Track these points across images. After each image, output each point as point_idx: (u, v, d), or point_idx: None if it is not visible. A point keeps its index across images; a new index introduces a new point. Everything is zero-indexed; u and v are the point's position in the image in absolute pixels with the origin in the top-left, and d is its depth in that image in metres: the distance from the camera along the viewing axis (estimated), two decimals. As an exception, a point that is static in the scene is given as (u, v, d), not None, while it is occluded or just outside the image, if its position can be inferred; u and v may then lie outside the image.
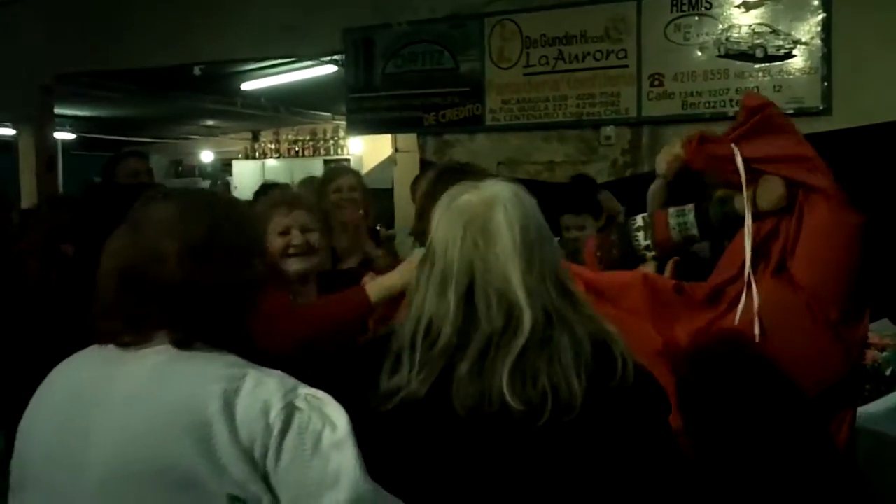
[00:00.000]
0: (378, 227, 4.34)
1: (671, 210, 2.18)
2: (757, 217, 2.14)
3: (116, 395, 1.40)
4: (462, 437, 1.48)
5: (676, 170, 2.33)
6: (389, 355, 1.56)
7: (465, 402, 1.46)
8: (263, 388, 1.35)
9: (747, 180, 2.14)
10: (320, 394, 1.38)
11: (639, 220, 2.19)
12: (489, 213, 1.53)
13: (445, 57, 5.57)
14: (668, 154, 2.35)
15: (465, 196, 1.58)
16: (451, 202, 1.59)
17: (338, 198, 3.94)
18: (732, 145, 2.18)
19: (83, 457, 1.38)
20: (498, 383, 1.45)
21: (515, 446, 1.46)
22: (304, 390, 1.37)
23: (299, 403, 1.34)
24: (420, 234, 2.34)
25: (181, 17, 6.20)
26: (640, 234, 2.15)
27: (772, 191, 2.14)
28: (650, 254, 2.22)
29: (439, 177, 2.32)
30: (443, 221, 1.58)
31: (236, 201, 1.76)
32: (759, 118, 2.18)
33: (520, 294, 1.49)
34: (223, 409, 1.31)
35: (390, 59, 5.74)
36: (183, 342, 1.43)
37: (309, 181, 4.52)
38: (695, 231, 2.16)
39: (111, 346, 1.47)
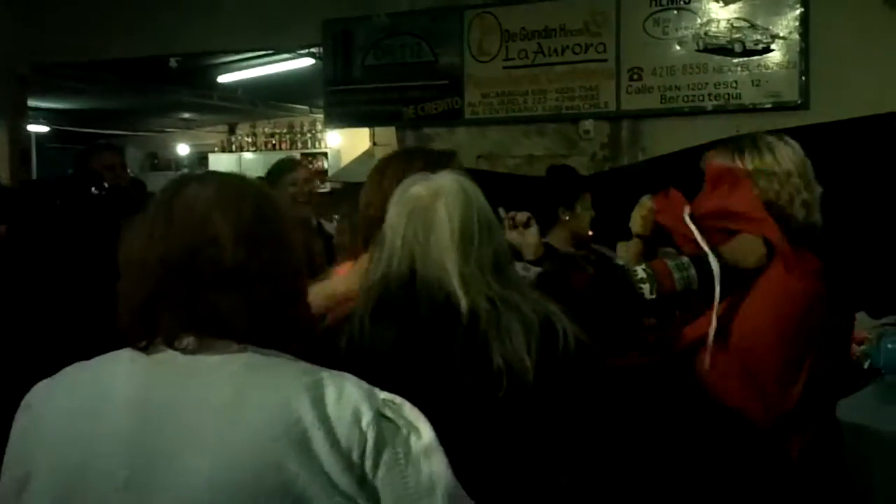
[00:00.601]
0: (336, 217, 4.34)
1: (671, 263, 2.17)
2: (739, 274, 2.14)
3: (201, 412, 1.27)
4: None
5: (651, 226, 2.35)
6: (345, 331, 1.70)
7: (415, 379, 1.53)
8: (348, 394, 1.28)
9: (721, 238, 2.15)
10: (397, 399, 1.33)
11: (640, 271, 2.16)
12: (432, 204, 1.66)
13: (424, 50, 5.55)
14: (642, 210, 2.38)
15: (415, 187, 1.70)
16: (403, 193, 1.71)
17: (294, 191, 3.92)
18: (685, 206, 2.20)
19: (168, 479, 1.25)
20: (449, 365, 1.60)
21: (475, 418, 1.58)
22: (382, 395, 1.32)
23: (386, 412, 1.30)
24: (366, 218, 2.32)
25: (157, 7, 6.13)
26: (646, 287, 2.14)
27: (753, 249, 2.13)
28: (653, 306, 2.23)
29: (390, 158, 2.31)
30: (392, 210, 1.71)
31: (263, 185, 1.61)
32: (714, 174, 2.20)
33: (455, 283, 1.61)
34: (318, 418, 1.25)
35: (369, 51, 5.71)
36: (246, 340, 1.31)
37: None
38: (696, 285, 2.16)
39: (163, 352, 1.31)
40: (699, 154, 2.39)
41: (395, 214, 1.70)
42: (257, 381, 1.29)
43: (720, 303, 2.10)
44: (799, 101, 4.68)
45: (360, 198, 2.14)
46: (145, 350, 1.32)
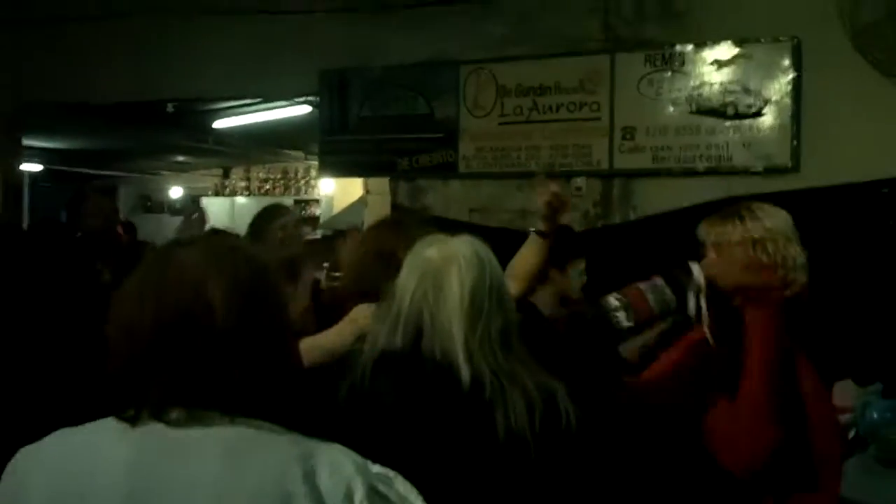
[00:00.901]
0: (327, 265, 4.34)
1: (643, 286, 2.18)
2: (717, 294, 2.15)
3: (190, 490, 1.23)
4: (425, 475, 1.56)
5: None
6: (347, 378, 1.70)
7: (418, 444, 1.57)
8: (340, 469, 1.25)
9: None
10: (390, 472, 1.32)
11: (612, 301, 2.17)
12: (445, 269, 1.68)
13: (420, 102, 5.59)
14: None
15: (429, 249, 1.73)
16: (417, 254, 1.73)
17: (284, 235, 3.93)
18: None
19: None
20: (451, 435, 1.59)
21: (473, 484, 1.59)
22: (375, 468, 1.31)
23: (379, 487, 1.28)
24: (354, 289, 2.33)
25: (154, 53, 6.16)
26: (621, 315, 2.13)
27: (730, 271, 2.15)
28: (633, 334, 2.23)
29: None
30: (405, 269, 1.73)
31: (253, 248, 1.56)
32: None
33: (459, 353, 1.61)
34: (310, 494, 1.22)
35: (365, 102, 5.75)
36: (236, 412, 1.27)
37: None
38: (674, 305, 2.16)
39: (150, 424, 1.26)
40: (691, 214, 2.40)
41: (406, 274, 1.71)
42: (247, 455, 1.25)
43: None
44: (790, 165, 4.72)
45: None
46: (132, 421, 1.28)
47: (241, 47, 5.93)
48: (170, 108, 7.23)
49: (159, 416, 1.26)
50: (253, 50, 5.89)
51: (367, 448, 1.48)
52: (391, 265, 1.81)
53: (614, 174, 5.14)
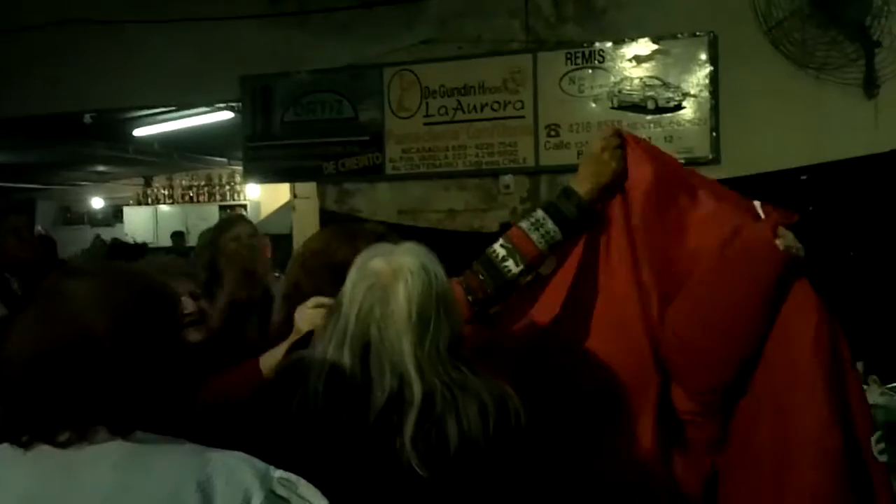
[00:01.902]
0: (277, 275, 4.26)
1: (525, 225, 2.11)
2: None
3: None
4: (371, 485, 1.59)
5: None
6: (297, 393, 1.67)
7: (370, 459, 1.58)
8: (238, 476, 1.27)
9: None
10: (293, 476, 1.32)
11: (498, 248, 2.11)
12: (392, 283, 1.64)
13: (345, 106, 5.56)
14: None
15: (375, 261, 1.69)
16: (364, 263, 1.70)
17: (237, 246, 3.85)
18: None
19: None
20: (403, 448, 1.57)
21: (427, 497, 1.59)
22: (277, 473, 1.31)
23: (279, 490, 1.29)
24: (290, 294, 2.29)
25: (71, 63, 6.02)
26: (510, 262, 2.10)
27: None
28: (526, 278, 2.19)
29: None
30: (350, 281, 1.69)
31: (145, 271, 1.62)
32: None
33: (410, 368, 1.60)
34: (203, 502, 1.23)
35: (289, 107, 5.70)
36: (126, 429, 1.30)
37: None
38: (560, 236, 2.11)
39: (41, 447, 1.29)
40: None
41: (352, 286, 1.68)
42: (140, 468, 1.28)
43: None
44: (711, 157, 4.83)
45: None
46: (25, 446, 1.30)
47: (161, 55, 5.81)
48: (87, 118, 7.05)
49: (49, 439, 1.29)
50: (173, 57, 5.79)
51: (320, 464, 1.52)
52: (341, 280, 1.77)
53: (541, 171, 5.20)
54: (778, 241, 1.99)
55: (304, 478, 1.34)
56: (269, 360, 2.15)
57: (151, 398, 1.34)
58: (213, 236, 3.89)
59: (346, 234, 2.36)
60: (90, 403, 1.29)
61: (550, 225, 2.10)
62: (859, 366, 3.94)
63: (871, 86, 4.60)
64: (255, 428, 1.71)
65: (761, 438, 1.97)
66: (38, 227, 12.71)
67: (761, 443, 1.97)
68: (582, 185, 2.14)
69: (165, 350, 1.37)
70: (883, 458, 1.92)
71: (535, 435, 1.70)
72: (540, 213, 2.12)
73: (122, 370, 1.30)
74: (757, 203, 2.15)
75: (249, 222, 4.19)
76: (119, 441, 1.29)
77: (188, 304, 2.41)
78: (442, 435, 1.58)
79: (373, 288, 1.65)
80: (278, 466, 1.33)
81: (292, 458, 1.46)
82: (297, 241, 6.19)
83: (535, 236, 2.09)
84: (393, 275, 1.65)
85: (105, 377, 1.29)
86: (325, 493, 1.34)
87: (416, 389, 1.59)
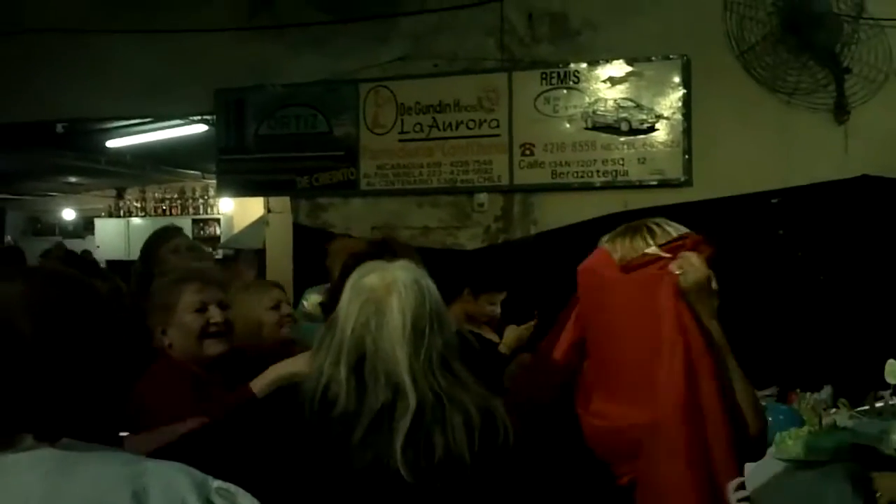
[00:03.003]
0: None
1: None
2: None
3: None
4: (361, 496, 1.64)
5: None
6: (292, 412, 1.71)
7: (359, 465, 1.63)
8: (174, 485, 1.24)
9: None
10: (232, 487, 1.30)
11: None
12: (386, 296, 1.71)
13: (319, 120, 5.55)
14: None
15: (370, 276, 1.76)
16: (358, 280, 1.77)
17: (176, 258, 3.80)
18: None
19: None
20: (392, 455, 1.62)
21: (414, 499, 1.64)
22: (215, 483, 1.29)
23: (216, 501, 1.27)
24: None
25: (42, 72, 5.96)
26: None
27: None
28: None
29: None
30: (346, 296, 1.76)
31: (80, 275, 1.56)
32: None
33: (406, 378, 1.65)
34: None
35: (263, 121, 5.68)
36: (54, 435, 1.27)
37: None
38: None
39: None
40: (589, 228, 2.39)
41: (347, 302, 1.74)
42: (72, 477, 1.24)
43: None
44: (683, 179, 4.87)
45: None
46: None
47: (135, 66, 5.77)
48: (59, 128, 6.98)
49: None
50: (146, 69, 5.74)
51: (311, 471, 1.60)
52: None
53: (515, 189, 5.22)
54: (672, 265, 1.91)
55: (298, 488, 1.33)
56: (271, 376, 2.17)
57: (81, 404, 1.31)
58: (149, 249, 3.83)
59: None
60: (15, 408, 1.26)
61: None
62: (827, 389, 3.99)
63: (841, 111, 4.66)
64: (250, 442, 1.74)
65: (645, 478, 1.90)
66: (7, 238, 12.58)
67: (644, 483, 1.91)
68: None
69: (95, 354, 1.34)
70: None
71: (528, 454, 1.74)
72: None
73: (48, 373, 1.27)
74: (653, 249, 2.00)
75: (186, 236, 4.16)
76: (48, 448, 1.25)
77: (215, 314, 2.38)
78: (429, 444, 1.64)
79: (367, 302, 1.71)
80: (275, 477, 1.33)
81: (287, 467, 1.52)
82: (271, 256, 6.17)
83: None
84: (387, 289, 1.72)
85: (30, 380, 1.26)
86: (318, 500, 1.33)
87: (411, 398, 1.65)
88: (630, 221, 2.12)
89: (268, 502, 1.36)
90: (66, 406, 1.29)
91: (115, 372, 1.40)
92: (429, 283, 1.77)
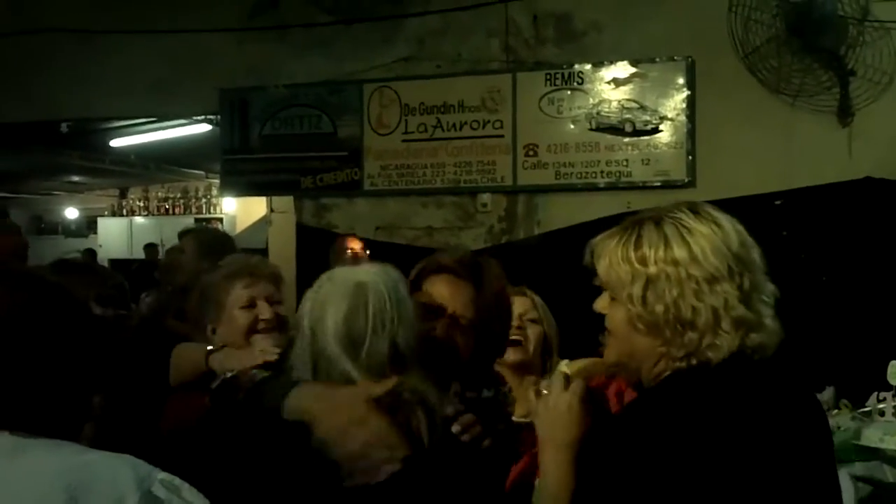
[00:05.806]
0: None
1: None
2: None
3: None
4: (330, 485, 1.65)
5: None
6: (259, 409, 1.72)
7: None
8: (114, 478, 1.24)
9: None
10: (176, 480, 1.30)
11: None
12: (326, 300, 1.73)
13: (324, 121, 5.56)
14: None
15: (322, 280, 1.78)
16: (313, 286, 1.79)
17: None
18: None
19: None
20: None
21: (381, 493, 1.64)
22: (160, 475, 1.28)
23: (157, 492, 1.26)
24: None
25: (47, 72, 5.98)
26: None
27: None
28: None
29: None
30: (306, 296, 1.78)
31: (47, 274, 1.56)
32: None
33: (355, 376, 1.68)
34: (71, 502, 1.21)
35: (267, 121, 5.69)
36: (14, 425, 1.29)
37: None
38: None
39: None
40: (593, 229, 2.35)
41: (301, 307, 1.77)
42: (13, 467, 1.25)
43: None
44: (686, 180, 4.87)
45: None
46: None
47: (138, 66, 5.79)
48: (64, 128, 7.00)
49: None
50: (150, 69, 5.76)
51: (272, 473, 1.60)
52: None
53: (518, 190, 5.22)
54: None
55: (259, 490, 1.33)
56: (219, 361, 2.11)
57: (45, 397, 1.33)
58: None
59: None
60: None
61: None
62: (829, 390, 3.99)
63: (845, 114, 4.66)
64: (224, 443, 1.73)
65: None
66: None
67: None
68: None
69: (62, 349, 1.36)
70: None
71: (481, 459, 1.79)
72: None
73: (10, 366, 1.30)
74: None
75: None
76: (6, 434, 1.28)
77: (264, 310, 2.26)
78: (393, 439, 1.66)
79: (314, 306, 1.74)
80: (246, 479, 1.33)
81: (254, 469, 1.54)
82: (273, 256, 6.17)
83: None
84: (329, 293, 1.74)
85: None
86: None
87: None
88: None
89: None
90: (29, 397, 1.31)
91: (81, 370, 1.41)
92: (378, 283, 1.73)
